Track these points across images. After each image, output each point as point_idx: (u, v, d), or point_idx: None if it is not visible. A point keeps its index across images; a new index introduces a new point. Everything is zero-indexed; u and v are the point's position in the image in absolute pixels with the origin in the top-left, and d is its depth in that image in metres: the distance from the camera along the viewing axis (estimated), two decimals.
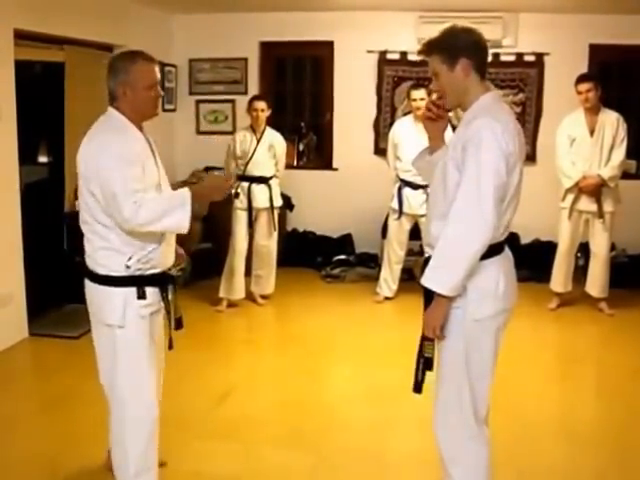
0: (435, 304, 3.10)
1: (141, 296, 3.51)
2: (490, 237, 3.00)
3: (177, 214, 3.42)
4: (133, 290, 3.50)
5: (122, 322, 3.50)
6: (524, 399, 5.20)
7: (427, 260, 3.21)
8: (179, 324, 3.81)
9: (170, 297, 3.70)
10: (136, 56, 3.55)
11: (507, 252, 3.29)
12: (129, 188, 3.33)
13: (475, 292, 3.11)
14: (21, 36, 6.13)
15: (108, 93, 3.57)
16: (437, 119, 3.47)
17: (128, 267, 3.46)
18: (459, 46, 3.13)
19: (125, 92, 3.49)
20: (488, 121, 3.01)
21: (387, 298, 7.70)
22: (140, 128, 3.62)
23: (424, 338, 3.19)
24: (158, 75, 3.59)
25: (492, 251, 3.11)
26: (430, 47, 3.20)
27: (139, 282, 3.52)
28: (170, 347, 3.77)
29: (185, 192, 3.47)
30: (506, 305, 3.25)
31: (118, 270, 3.48)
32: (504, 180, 3.00)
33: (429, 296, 3.14)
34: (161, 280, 3.62)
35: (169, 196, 3.57)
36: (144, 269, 3.52)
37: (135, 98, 3.51)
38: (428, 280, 3.09)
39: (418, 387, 3.23)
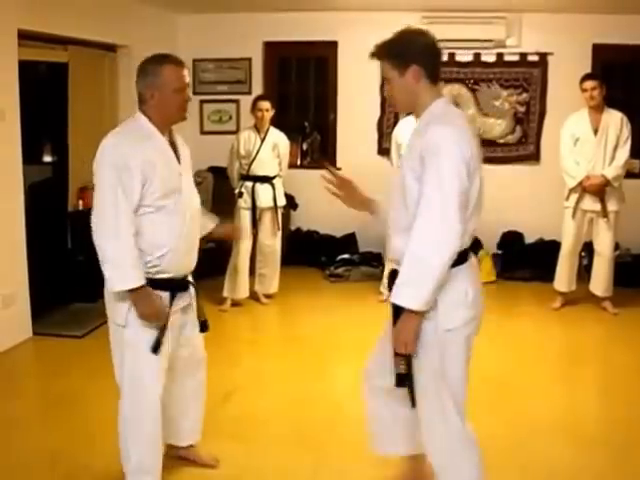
0: (406, 319, 3.04)
1: None
2: (458, 245, 2.96)
3: (117, 273, 3.41)
4: None
5: (125, 322, 3.51)
6: (528, 398, 5.19)
7: (393, 274, 3.17)
8: (204, 327, 3.90)
9: (189, 301, 3.79)
10: (165, 59, 3.55)
11: (472, 259, 3.26)
12: (107, 206, 3.39)
13: (445, 302, 3.07)
14: (25, 36, 6.15)
15: (137, 96, 3.57)
16: (343, 190, 3.49)
17: None
18: (410, 53, 3.10)
19: (153, 95, 3.49)
20: (444, 128, 2.99)
21: None
22: (169, 132, 3.67)
23: (395, 354, 3.14)
24: (187, 79, 3.59)
25: (458, 259, 3.06)
26: (381, 52, 3.18)
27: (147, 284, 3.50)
28: (154, 350, 3.62)
29: (138, 281, 3.42)
30: (476, 312, 3.20)
31: None
32: (466, 185, 2.96)
33: (397, 310, 3.09)
34: (171, 285, 3.62)
35: (132, 260, 3.43)
36: (152, 273, 3.51)
37: (163, 101, 3.51)
38: (398, 297, 3.02)
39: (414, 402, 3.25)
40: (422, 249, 2.94)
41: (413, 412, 3.35)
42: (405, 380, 3.17)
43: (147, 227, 3.48)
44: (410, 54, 3.09)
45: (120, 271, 3.41)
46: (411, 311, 3.00)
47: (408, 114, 4.07)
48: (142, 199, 3.44)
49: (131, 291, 3.43)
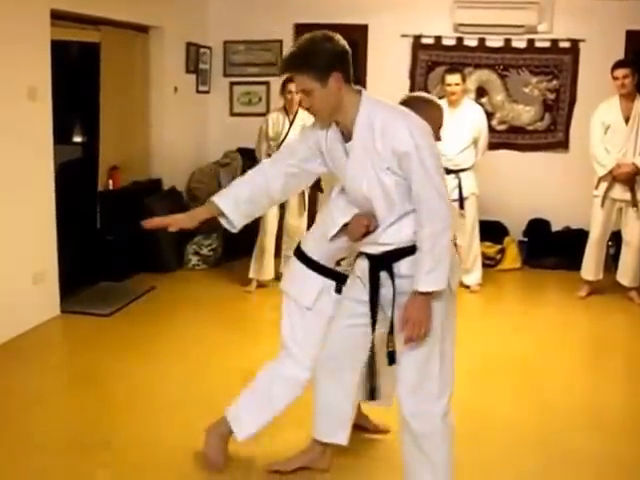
0: (425, 302, 3.11)
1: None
2: None
3: None
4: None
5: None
6: (553, 386, 5.21)
7: (375, 258, 3.31)
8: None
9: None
10: None
11: None
12: None
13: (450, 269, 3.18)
14: (57, 16, 6.19)
15: None
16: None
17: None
18: (328, 61, 3.08)
19: None
20: (408, 120, 3.08)
21: None
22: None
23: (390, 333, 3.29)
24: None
25: None
26: (296, 66, 3.13)
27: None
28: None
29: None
30: None
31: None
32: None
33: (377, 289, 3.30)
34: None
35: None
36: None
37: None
38: (428, 285, 3.07)
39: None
40: (435, 233, 3.04)
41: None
42: (394, 357, 3.29)
43: None
44: (328, 62, 3.08)
45: None
46: (427, 292, 3.08)
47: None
48: None
49: None
